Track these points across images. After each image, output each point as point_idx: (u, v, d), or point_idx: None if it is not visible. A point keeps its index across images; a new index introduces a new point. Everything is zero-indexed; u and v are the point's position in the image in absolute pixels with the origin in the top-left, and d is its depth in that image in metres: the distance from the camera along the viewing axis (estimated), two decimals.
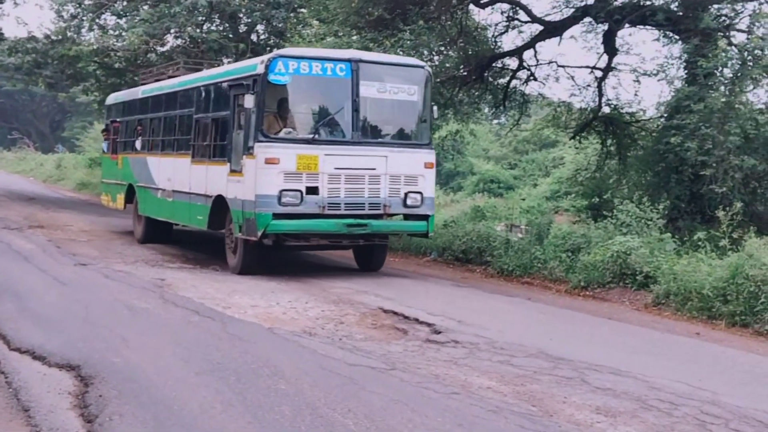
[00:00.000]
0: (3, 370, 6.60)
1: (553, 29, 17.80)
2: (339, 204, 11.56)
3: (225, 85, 12.75)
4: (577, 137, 19.42)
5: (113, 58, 25.22)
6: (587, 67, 18.71)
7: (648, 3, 15.76)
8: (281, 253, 13.06)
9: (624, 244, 11.60)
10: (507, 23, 18.62)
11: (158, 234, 15.84)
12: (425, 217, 12.24)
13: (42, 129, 69.20)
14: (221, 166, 12.40)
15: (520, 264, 13.16)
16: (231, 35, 24.81)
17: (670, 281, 10.55)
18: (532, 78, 19.58)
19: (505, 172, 36.64)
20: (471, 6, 17.92)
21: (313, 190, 11.37)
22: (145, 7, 23.75)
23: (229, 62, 18.73)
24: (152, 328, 8.21)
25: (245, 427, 5.31)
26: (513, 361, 7.32)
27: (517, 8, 18.13)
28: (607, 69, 18.06)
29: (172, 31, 23.45)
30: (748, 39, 13.65)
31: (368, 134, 11.95)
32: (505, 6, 18.23)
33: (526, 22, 18.44)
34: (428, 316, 9.12)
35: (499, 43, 18.87)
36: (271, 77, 11.33)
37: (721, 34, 13.84)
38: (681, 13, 15.06)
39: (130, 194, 16.81)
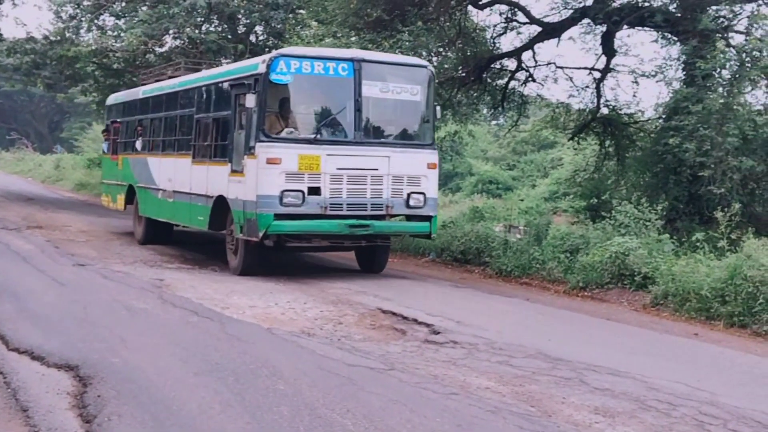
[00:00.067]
0: (2, 370, 6.59)
1: (551, 30, 17.82)
2: (341, 204, 11.48)
3: (226, 84, 12.69)
4: (576, 138, 19.44)
5: (112, 58, 25.20)
6: (586, 68, 18.75)
7: (646, 4, 15.78)
8: (281, 253, 13.03)
9: (622, 244, 11.60)
10: (505, 24, 18.64)
11: (159, 235, 15.76)
12: (428, 218, 12.16)
13: (40, 129, 69.16)
14: (222, 166, 12.35)
15: (519, 265, 13.16)
16: (229, 36, 24.81)
17: (669, 282, 10.55)
18: (530, 79, 19.62)
19: (503, 172, 36.68)
20: (470, 7, 17.94)
21: (315, 191, 11.30)
22: (144, 8, 23.75)
23: (227, 63, 18.71)
24: (151, 328, 8.21)
25: (244, 427, 5.31)
26: (512, 361, 7.32)
27: (516, 9, 18.16)
28: (606, 70, 18.08)
29: (170, 32, 23.46)
30: (746, 40, 13.66)
31: (371, 134, 11.88)
32: (504, 7, 18.26)
33: (524, 24, 18.47)
34: (427, 316, 9.12)
35: (497, 44, 18.90)
36: (273, 76, 11.26)
37: (720, 35, 13.85)
38: (679, 15, 15.08)
39: (131, 195, 16.74)
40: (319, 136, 11.46)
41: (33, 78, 29.09)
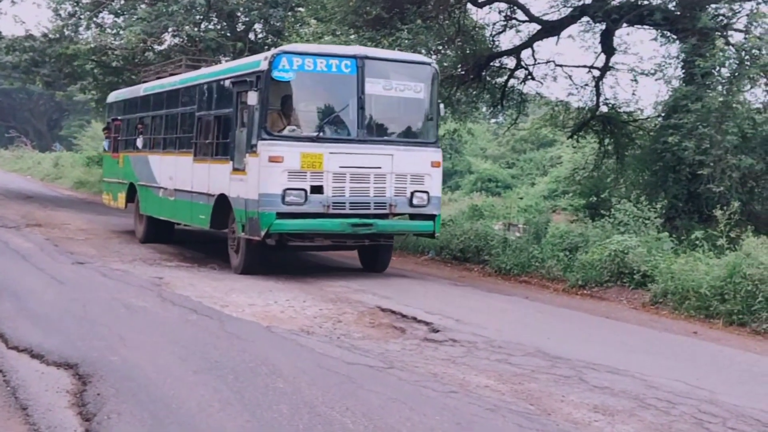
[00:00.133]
0: (1, 368, 6.59)
1: (550, 29, 17.82)
2: (344, 203, 11.39)
3: (228, 82, 12.60)
4: (575, 136, 19.45)
5: (111, 56, 25.21)
6: (585, 66, 18.77)
7: (646, 2, 15.77)
8: (283, 252, 12.98)
9: (621, 243, 11.61)
10: (505, 22, 18.63)
11: (160, 233, 15.66)
12: (431, 217, 12.05)
13: (39, 127, 69.13)
14: (224, 164, 12.26)
15: (518, 263, 13.16)
16: (229, 34, 24.81)
17: (668, 280, 10.56)
18: (529, 77, 19.62)
19: (502, 171, 36.70)
20: (469, 5, 17.93)
21: (317, 189, 11.20)
22: (143, 6, 23.75)
23: (226, 61, 18.69)
24: (150, 326, 8.21)
25: (243, 425, 5.31)
26: (511, 359, 7.33)
27: (515, 7, 18.14)
28: (605, 68, 18.09)
29: (169, 29, 23.45)
30: (745, 38, 13.66)
31: (374, 132, 11.77)
32: (503, 5, 18.25)
33: (523, 22, 18.46)
34: (426, 314, 9.12)
35: (496, 43, 18.89)
36: (275, 74, 11.17)
37: (719, 33, 13.85)
38: (678, 13, 15.08)
39: (132, 193, 16.66)
40: (321, 134, 11.36)
41: (32, 76, 29.08)
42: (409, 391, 6.15)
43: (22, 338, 7.46)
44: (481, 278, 13.15)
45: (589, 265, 11.87)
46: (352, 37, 15.81)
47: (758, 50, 13.07)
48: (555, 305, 10.64)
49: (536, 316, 9.81)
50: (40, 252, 13.42)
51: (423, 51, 15.22)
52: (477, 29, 18.77)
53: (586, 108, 19.03)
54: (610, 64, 17.96)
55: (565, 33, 18.05)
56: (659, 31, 16.14)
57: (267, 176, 11.10)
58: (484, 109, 22.20)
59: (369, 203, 11.58)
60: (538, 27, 18.08)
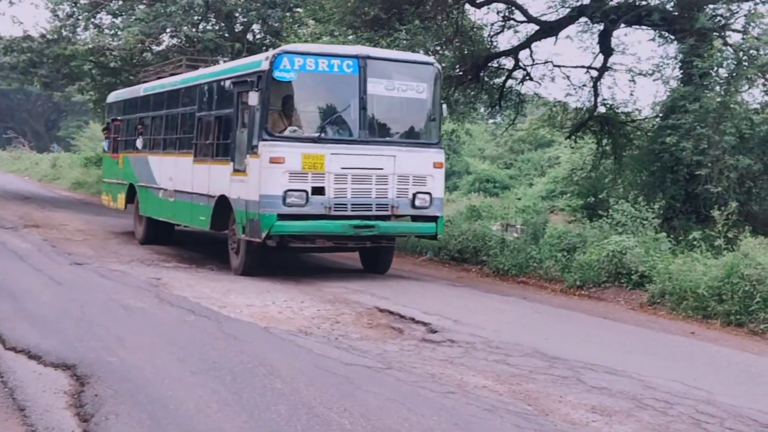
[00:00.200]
0: None
1: (548, 29, 17.83)
2: (345, 205, 11.29)
3: (228, 82, 12.51)
4: (573, 137, 19.46)
5: (109, 57, 25.13)
6: (583, 66, 18.79)
7: (643, 3, 15.79)
8: (283, 254, 12.91)
9: (619, 243, 11.61)
10: (503, 23, 18.66)
11: (160, 235, 15.56)
12: (434, 219, 11.95)
13: (37, 128, 69.11)
14: (224, 165, 12.16)
15: (516, 263, 13.17)
16: (227, 35, 24.80)
17: (666, 281, 10.56)
18: (527, 78, 19.65)
19: (500, 171, 36.71)
20: (467, 6, 17.94)
21: (318, 191, 11.10)
22: (141, 7, 23.74)
23: (224, 62, 18.69)
24: (148, 327, 8.20)
25: (241, 426, 5.31)
26: (509, 360, 7.33)
27: (513, 8, 18.16)
28: (603, 69, 18.10)
29: (167, 30, 23.43)
30: (743, 39, 13.68)
31: (376, 133, 11.64)
32: (501, 6, 18.27)
33: (521, 22, 18.48)
34: (424, 315, 9.12)
35: (494, 43, 18.91)
36: (276, 74, 11.08)
37: (717, 34, 13.87)
38: (676, 13, 15.10)
39: (131, 194, 16.55)
40: (323, 134, 11.28)
41: (30, 76, 29.07)
42: (407, 392, 6.15)
43: (19, 339, 7.45)
44: (479, 279, 13.15)
45: (586, 265, 11.87)
46: (350, 37, 15.81)
47: (756, 50, 13.09)
48: (553, 306, 10.65)
49: (534, 316, 9.81)
50: (38, 253, 13.41)
51: (421, 51, 15.22)
52: (475, 30, 18.79)
53: (584, 108, 19.04)
54: (608, 65, 17.98)
55: (563, 33, 18.09)
56: (657, 31, 16.16)
57: (268, 177, 11.02)
58: (482, 109, 22.20)
59: (371, 205, 11.48)
60: (536, 27, 18.10)
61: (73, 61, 24.95)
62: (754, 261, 9.73)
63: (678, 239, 12.08)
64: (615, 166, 17.90)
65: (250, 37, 25.28)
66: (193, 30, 23.28)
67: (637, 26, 16.55)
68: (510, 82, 19.74)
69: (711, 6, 14.24)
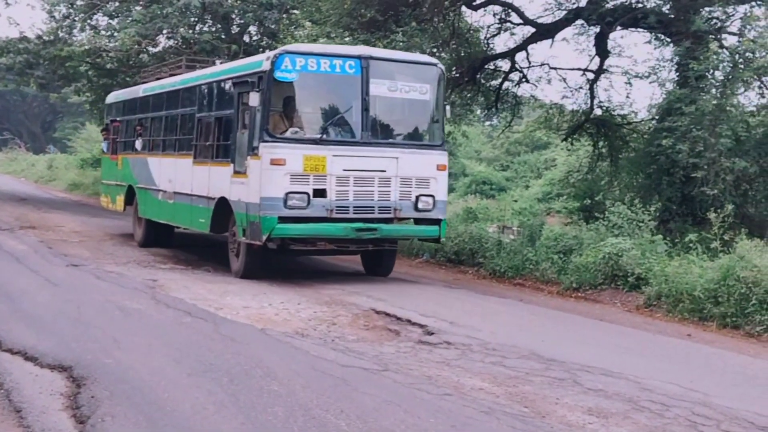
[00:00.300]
0: None
1: (545, 31, 17.86)
2: (347, 207, 11.14)
3: (229, 82, 12.40)
4: (569, 139, 19.49)
5: (105, 58, 25.13)
6: (579, 69, 18.82)
7: (640, 6, 15.83)
8: (284, 256, 12.76)
9: (616, 245, 11.63)
10: (499, 25, 18.68)
11: (159, 237, 15.41)
12: (437, 222, 11.78)
13: (33, 129, 69.01)
14: (224, 167, 12.03)
15: (512, 265, 13.18)
16: (223, 36, 24.78)
17: (662, 283, 10.58)
18: (524, 80, 19.68)
19: (497, 173, 36.70)
20: (463, 8, 17.95)
21: (320, 193, 10.96)
22: (138, 8, 23.71)
23: (221, 63, 18.71)
24: (144, 328, 8.19)
25: (238, 428, 5.31)
26: (505, 362, 7.33)
27: (510, 10, 18.19)
28: (599, 71, 18.14)
29: (164, 31, 23.41)
30: (739, 41, 13.72)
31: (378, 134, 11.48)
32: (498, 8, 18.29)
33: (518, 25, 18.52)
34: (420, 317, 9.12)
35: (491, 45, 18.95)
36: (278, 74, 10.93)
37: (713, 36, 13.89)
38: (672, 16, 15.13)
39: (130, 196, 16.42)
40: (324, 136, 11.12)
41: (26, 78, 29.01)
42: (404, 394, 6.15)
43: (15, 340, 7.44)
44: (476, 281, 13.16)
45: (583, 267, 11.89)
46: (347, 39, 15.82)
47: (752, 53, 13.11)
48: (549, 308, 10.65)
49: (530, 318, 9.82)
50: (34, 254, 13.39)
51: (418, 53, 15.23)
52: (471, 32, 18.82)
53: (581, 111, 19.08)
54: (605, 67, 18.02)
55: (559, 36, 18.13)
56: (653, 34, 16.18)
57: (269, 179, 10.88)
58: (478, 111, 22.24)
59: (373, 207, 11.33)
60: (533, 30, 18.14)
61: (69, 62, 24.92)
62: (750, 263, 9.75)
63: (674, 241, 12.10)
64: (611, 169, 17.92)
65: (246, 38, 25.26)
66: (190, 32, 23.26)
67: (634, 29, 16.60)
68: (506, 84, 19.78)
69: (707, 9, 14.27)
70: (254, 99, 10.98)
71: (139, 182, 16.02)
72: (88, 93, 30.12)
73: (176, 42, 24.05)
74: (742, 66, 13.19)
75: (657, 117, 15.14)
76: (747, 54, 13.21)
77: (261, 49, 22.92)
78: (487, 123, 33.34)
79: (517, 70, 19.37)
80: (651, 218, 12.35)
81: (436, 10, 17.12)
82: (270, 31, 24.27)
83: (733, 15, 14.35)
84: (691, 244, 11.21)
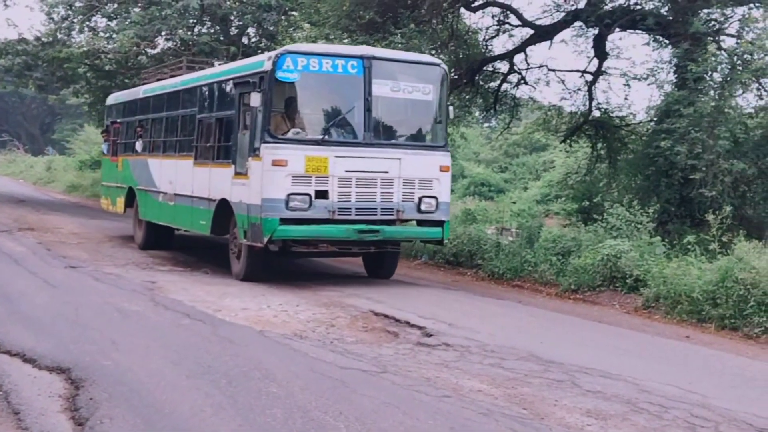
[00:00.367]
0: None
1: (543, 33, 17.88)
2: (350, 209, 11.03)
3: (230, 83, 12.31)
4: (568, 141, 19.51)
5: (104, 60, 25.16)
6: (578, 71, 18.85)
7: (638, 7, 15.85)
8: (285, 258, 12.73)
9: (614, 247, 11.63)
10: (498, 27, 18.68)
11: (160, 239, 15.33)
12: (440, 223, 11.67)
13: (32, 131, 68.98)
14: (225, 168, 11.94)
15: (511, 267, 13.18)
16: (222, 38, 24.79)
17: (660, 284, 10.58)
18: (522, 82, 19.68)
19: (495, 175, 36.75)
20: (462, 10, 17.96)
21: (322, 194, 10.85)
22: (136, 10, 23.71)
23: (219, 64, 18.73)
24: (142, 330, 8.19)
25: (236, 430, 5.31)
26: (504, 364, 7.33)
27: (508, 12, 18.20)
28: (598, 73, 18.15)
29: (162, 33, 23.43)
30: (737, 43, 13.73)
31: (381, 135, 11.38)
32: (496, 10, 18.30)
33: (516, 26, 18.53)
34: (419, 319, 9.12)
35: (489, 47, 18.94)
36: (279, 74, 10.82)
37: (711, 38, 13.90)
38: (671, 18, 15.14)
39: (131, 198, 16.33)
40: (327, 137, 11.00)
41: (24, 79, 29.04)
42: (403, 396, 6.15)
43: (14, 342, 7.44)
44: (474, 282, 13.16)
45: (581, 269, 11.89)
46: (346, 41, 15.82)
47: (750, 55, 13.14)
48: (548, 309, 10.65)
49: (529, 320, 9.82)
50: (33, 256, 13.38)
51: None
52: (470, 34, 18.83)
53: (579, 112, 19.10)
54: (603, 69, 18.03)
55: (558, 38, 18.13)
56: (652, 35, 16.19)
57: (270, 180, 10.78)
58: (477, 113, 22.25)
59: (375, 209, 11.23)
60: (531, 31, 18.15)
61: (68, 63, 24.93)
62: (748, 265, 9.76)
63: (672, 243, 12.11)
64: (610, 170, 17.94)
65: (245, 40, 25.28)
66: (189, 33, 23.29)
67: (632, 30, 16.60)
68: (505, 86, 19.79)
69: (705, 10, 14.29)
70: (255, 99, 10.90)
71: (140, 184, 15.93)
72: (86, 95, 30.14)
73: (175, 44, 24.07)
74: (740, 68, 13.21)
75: (655, 119, 15.15)
76: (745, 56, 13.23)
77: (260, 51, 22.90)
78: (486, 125, 33.33)
79: (515, 71, 19.39)
80: (649, 220, 12.36)
81: (434, 12, 17.11)
82: (269, 32, 24.29)
83: (731, 17, 14.39)
84: (689, 246, 11.22)
